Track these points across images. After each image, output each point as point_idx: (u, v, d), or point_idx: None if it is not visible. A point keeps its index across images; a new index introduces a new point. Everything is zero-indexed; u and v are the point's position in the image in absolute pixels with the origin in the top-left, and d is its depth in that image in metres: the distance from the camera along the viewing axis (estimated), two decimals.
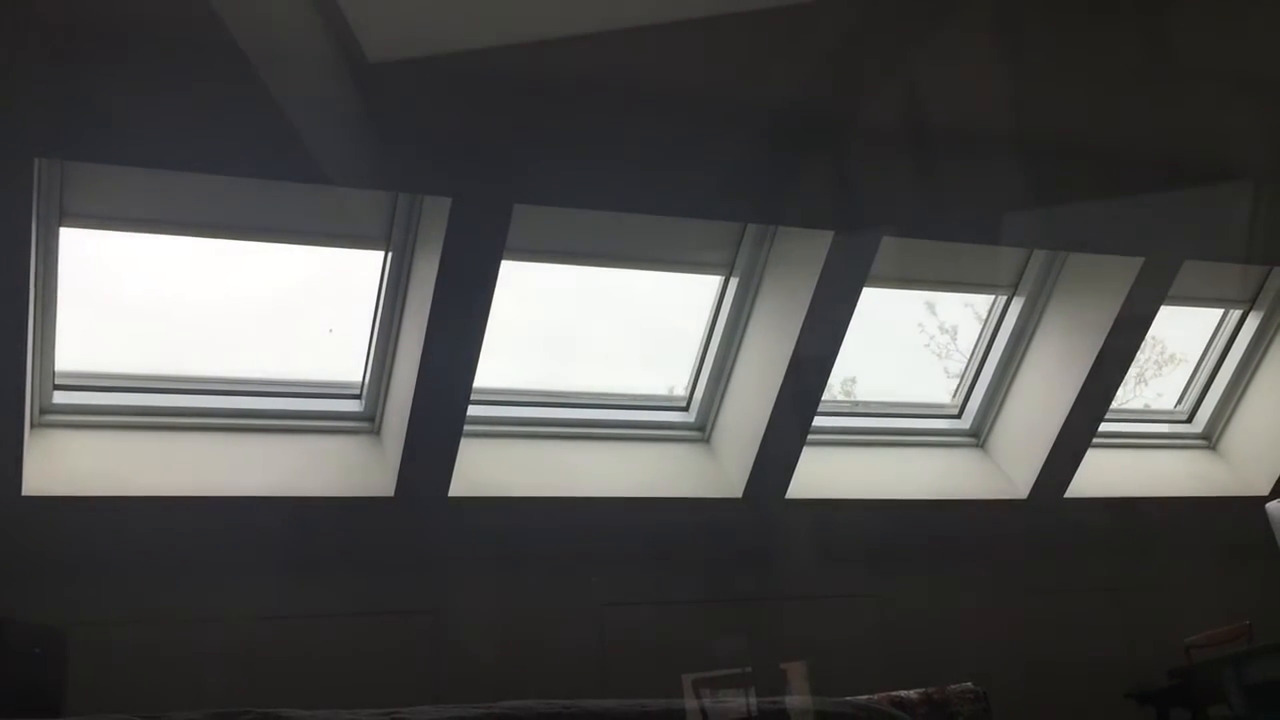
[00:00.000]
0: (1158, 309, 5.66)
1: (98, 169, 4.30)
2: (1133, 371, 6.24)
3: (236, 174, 4.27)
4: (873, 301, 5.52)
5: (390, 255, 4.82)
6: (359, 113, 4.05)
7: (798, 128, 4.66)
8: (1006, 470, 6.07)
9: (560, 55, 4.03)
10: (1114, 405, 6.05)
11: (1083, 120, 4.90)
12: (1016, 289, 5.94)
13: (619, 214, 4.95)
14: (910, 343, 6.32)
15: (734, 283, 5.38)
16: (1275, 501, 5.33)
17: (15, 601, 3.93)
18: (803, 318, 5.08)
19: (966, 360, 6.19)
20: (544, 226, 4.90)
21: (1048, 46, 4.41)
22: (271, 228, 4.74)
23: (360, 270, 4.95)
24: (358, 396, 5.17)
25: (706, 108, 4.49)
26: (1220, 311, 6.56)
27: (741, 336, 5.46)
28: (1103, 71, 4.60)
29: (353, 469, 5.01)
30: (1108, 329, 5.58)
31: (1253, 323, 6.53)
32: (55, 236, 4.38)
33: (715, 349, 5.53)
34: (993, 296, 6.03)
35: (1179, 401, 6.82)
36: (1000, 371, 6.06)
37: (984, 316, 6.11)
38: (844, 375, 6.26)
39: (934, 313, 6.30)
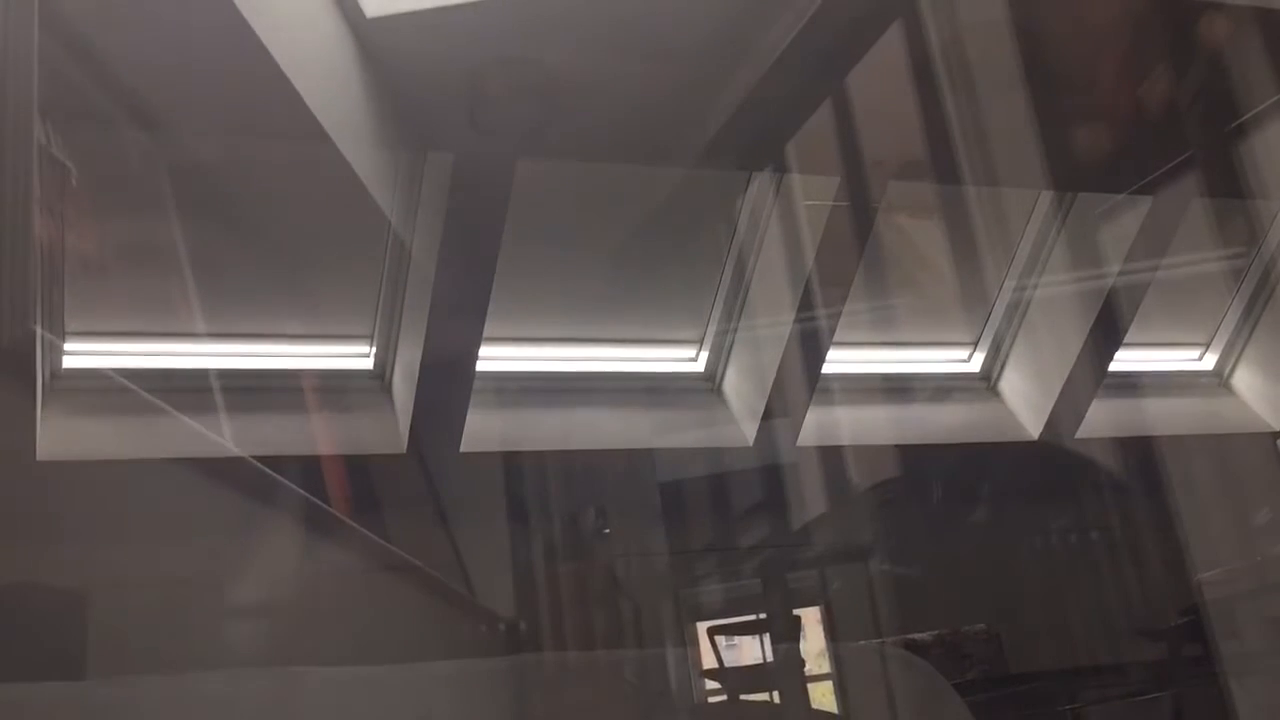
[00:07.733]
0: (1167, 247, 5.61)
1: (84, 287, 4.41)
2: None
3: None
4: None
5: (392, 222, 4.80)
6: (358, 68, 4.00)
7: (796, 67, 4.59)
8: (1017, 412, 6.06)
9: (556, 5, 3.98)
10: (1124, 342, 6.03)
11: (1086, 54, 4.83)
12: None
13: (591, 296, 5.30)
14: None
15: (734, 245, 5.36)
16: None
17: (34, 566, 3.95)
18: (810, 260, 5.06)
19: None
20: (516, 313, 5.11)
21: None
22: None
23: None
24: (366, 355, 5.17)
25: (707, 54, 4.44)
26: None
27: (749, 284, 5.44)
28: None
29: (362, 426, 5.02)
30: (1117, 268, 5.54)
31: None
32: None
33: (723, 299, 5.51)
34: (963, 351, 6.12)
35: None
36: (1009, 312, 6.04)
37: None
38: None
39: None
